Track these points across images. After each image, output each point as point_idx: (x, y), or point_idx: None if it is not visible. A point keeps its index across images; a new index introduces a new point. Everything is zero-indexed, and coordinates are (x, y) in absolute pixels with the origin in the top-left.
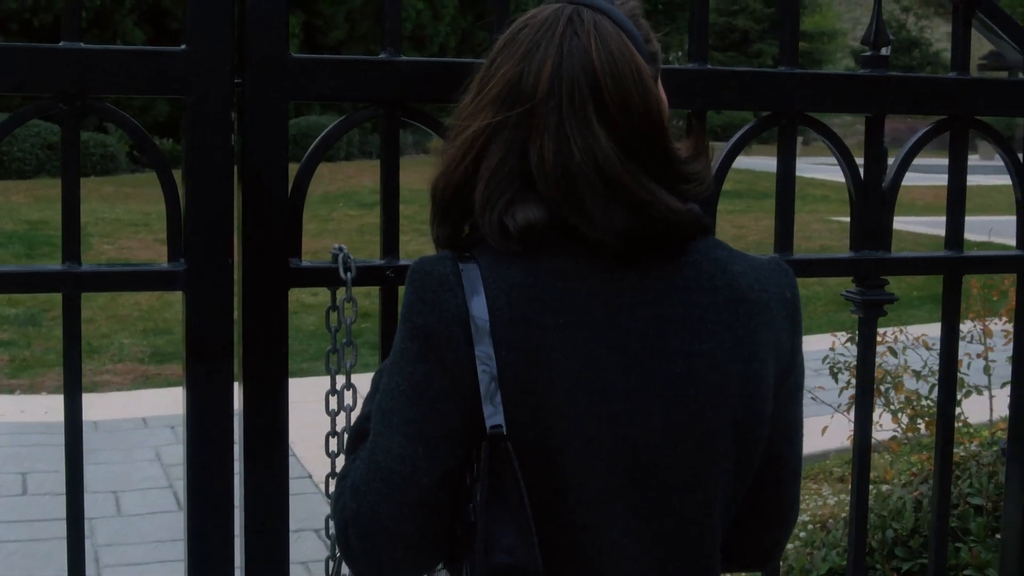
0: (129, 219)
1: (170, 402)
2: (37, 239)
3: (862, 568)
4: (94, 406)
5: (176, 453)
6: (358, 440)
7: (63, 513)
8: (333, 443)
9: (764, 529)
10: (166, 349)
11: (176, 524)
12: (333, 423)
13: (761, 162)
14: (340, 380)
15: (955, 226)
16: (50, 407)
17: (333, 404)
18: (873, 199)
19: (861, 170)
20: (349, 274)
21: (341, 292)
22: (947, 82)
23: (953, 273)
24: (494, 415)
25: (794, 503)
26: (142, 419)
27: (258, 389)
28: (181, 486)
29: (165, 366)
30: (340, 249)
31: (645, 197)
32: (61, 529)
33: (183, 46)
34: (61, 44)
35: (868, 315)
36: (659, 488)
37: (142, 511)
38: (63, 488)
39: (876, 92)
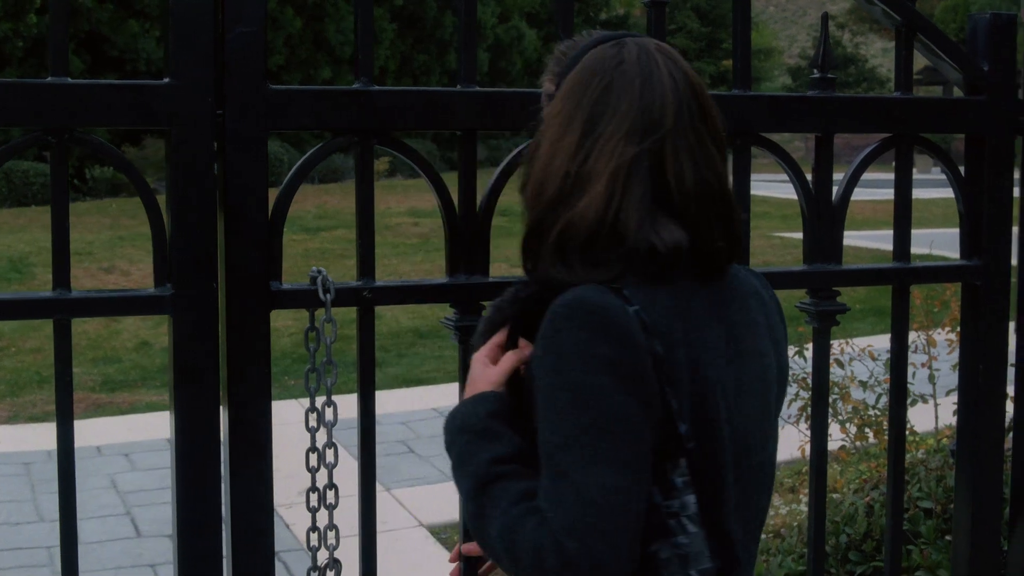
0: (73, 248)
1: (124, 430)
2: None
3: (822, 568)
4: (46, 436)
5: (131, 480)
6: (492, 488)
7: (23, 542)
8: (313, 458)
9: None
10: (116, 377)
11: (135, 550)
12: (313, 440)
13: None
14: (319, 399)
15: (902, 238)
16: (3, 437)
17: (313, 421)
18: (824, 214)
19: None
20: (329, 295)
21: (319, 313)
22: (891, 102)
23: (902, 283)
24: (687, 432)
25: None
26: (96, 447)
27: (242, 409)
28: (138, 513)
29: (116, 394)
30: (319, 272)
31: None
32: (18, 559)
33: (166, 79)
34: (48, 79)
35: (822, 325)
36: (750, 473)
37: (101, 539)
38: (21, 518)
39: (825, 112)
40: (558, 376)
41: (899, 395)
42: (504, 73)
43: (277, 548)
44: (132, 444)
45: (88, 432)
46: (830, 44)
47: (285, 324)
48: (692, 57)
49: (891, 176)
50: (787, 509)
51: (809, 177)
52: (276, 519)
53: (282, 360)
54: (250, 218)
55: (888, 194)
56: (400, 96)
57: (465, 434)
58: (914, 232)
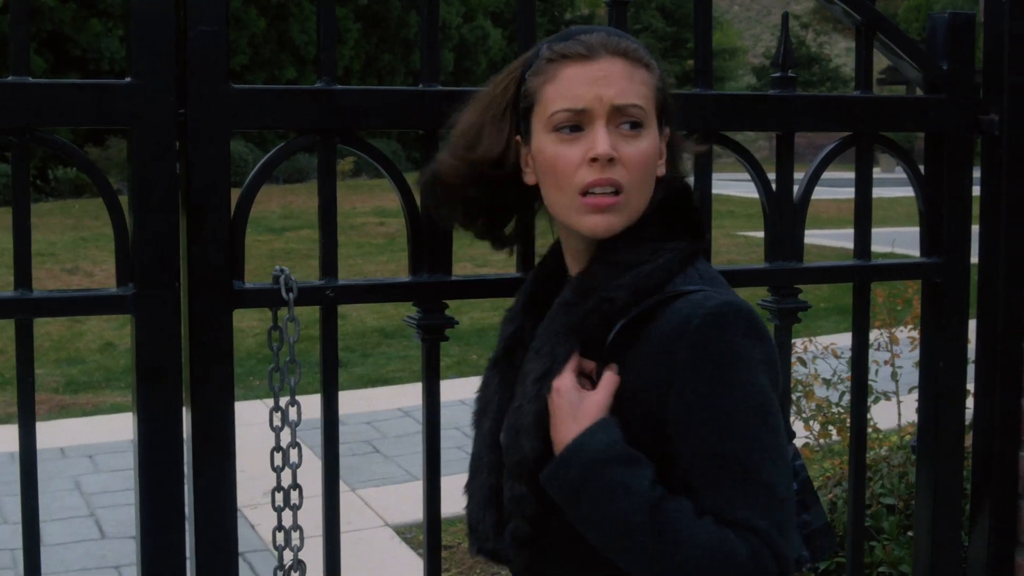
0: (35, 249)
1: (87, 431)
2: None
3: None
4: (9, 437)
5: (96, 482)
6: (664, 508)
7: None
8: (278, 457)
9: None
10: (80, 379)
11: (99, 552)
12: (277, 439)
13: None
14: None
15: (863, 236)
16: None
17: (277, 420)
18: (786, 212)
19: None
20: (291, 294)
21: (283, 312)
22: (852, 100)
23: (863, 280)
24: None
25: None
26: (60, 449)
27: (206, 409)
28: (102, 514)
29: (80, 395)
30: (281, 271)
31: None
32: None
33: (128, 79)
34: (10, 79)
35: (784, 322)
36: None
37: (65, 540)
38: None
39: (786, 111)
40: (724, 385)
41: (860, 392)
42: (469, 73)
43: (242, 548)
44: (96, 446)
45: (52, 434)
46: (791, 43)
47: (249, 325)
48: (657, 57)
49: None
50: None
51: (771, 176)
52: (241, 520)
53: (246, 361)
54: (213, 218)
55: (853, 193)
56: (363, 95)
57: (610, 464)
58: (877, 230)
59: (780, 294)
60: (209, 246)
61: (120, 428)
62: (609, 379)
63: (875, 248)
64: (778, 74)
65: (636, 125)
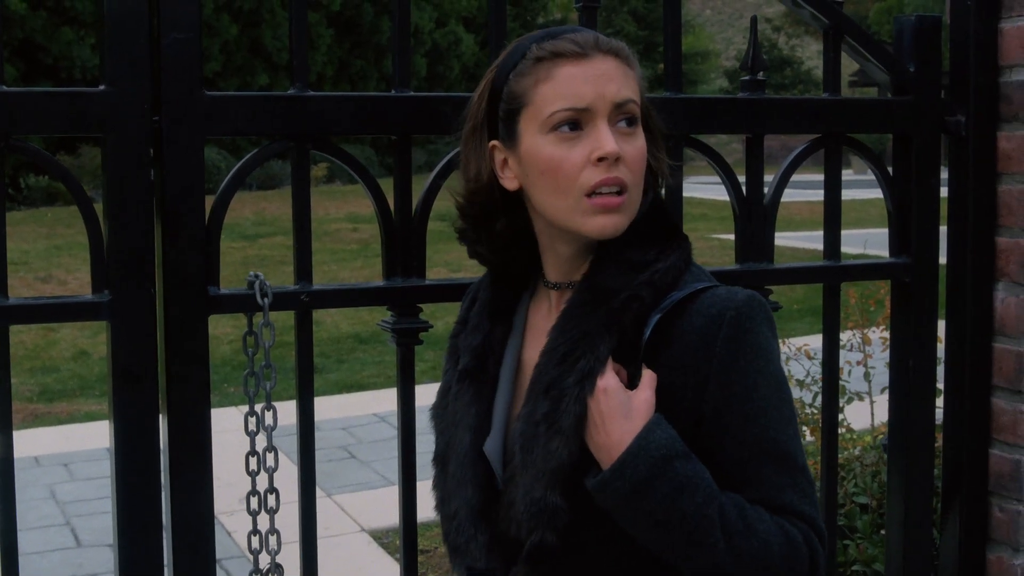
0: (8, 258)
1: (62, 440)
2: None
3: None
4: None
5: (71, 490)
6: (726, 514)
7: None
8: (253, 462)
9: None
10: (54, 387)
11: (75, 560)
12: (253, 443)
13: None
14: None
15: (832, 238)
16: None
17: (252, 425)
18: (756, 214)
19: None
20: (266, 300)
21: (258, 318)
22: (820, 103)
23: (832, 281)
24: None
25: None
26: (34, 458)
27: (182, 414)
28: (78, 523)
29: (55, 404)
30: (256, 276)
31: None
32: None
33: (101, 86)
34: None
35: None
36: None
37: (40, 549)
38: None
39: (755, 114)
40: (760, 376)
41: (831, 391)
42: (442, 78)
43: (219, 555)
44: (71, 454)
45: (26, 442)
46: (759, 47)
47: (224, 331)
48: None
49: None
50: None
51: (743, 179)
52: (217, 527)
53: (222, 367)
54: (187, 224)
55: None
56: (335, 101)
57: (676, 460)
58: (851, 232)
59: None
60: (185, 252)
61: (95, 436)
62: (650, 376)
63: (847, 249)
64: (747, 77)
65: (632, 122)
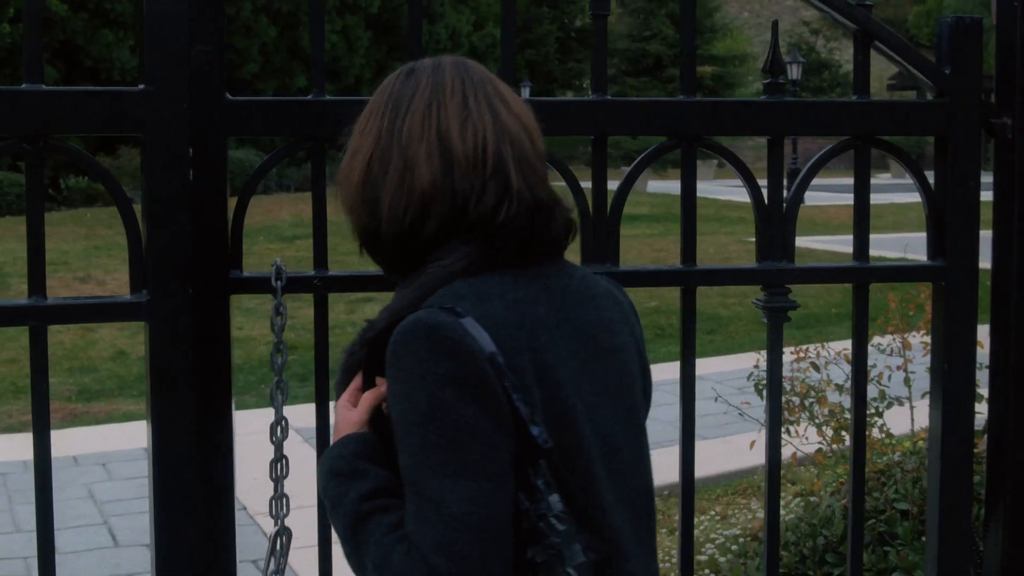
0: (48, 258)
1: (100, 439)
2: None
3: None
4: (22, 446)
5: (108, 490)
6: (365, 524)
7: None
8: (279, 431)
9: None
10: (92, 387)
11: (112, 560)
12: (279, 412)
13: (679, 186)
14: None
15: (861, 238)
16: None
17: (280, 397)
18: (775, 213)
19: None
20: (279, 282)
21: (289, 302)
22: (844, 105)
23: (859, 281)
24: (542, 434)
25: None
26: (72, 457)
27: (205, 392)
28: (115, 523)
29: (93, 404)
30: (277, 262)
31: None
32: None
33: (141, 86)
34: (23, 86)
35: (774, 321)
36: (626, 473)
37: (78, 548)
38: None
39: (773, 116)
40: (407, 401)
41: (859, 394)
42: None
43: (253, 556)
44: (109, 454)
45: (64, 442)
46: (779, 50)
47: (261, 332)
48: (668, 63)
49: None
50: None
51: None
52: (255, 527)
53: (259, 369)
54: (212, 215)
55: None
56: (348, 105)
57: (335, 478)
58: (890, 236)
59: (770, 293)
60: (210, 241)
61: (133, 436)
62: (367, 396)
63: (887, 253)
64: (768, 80)
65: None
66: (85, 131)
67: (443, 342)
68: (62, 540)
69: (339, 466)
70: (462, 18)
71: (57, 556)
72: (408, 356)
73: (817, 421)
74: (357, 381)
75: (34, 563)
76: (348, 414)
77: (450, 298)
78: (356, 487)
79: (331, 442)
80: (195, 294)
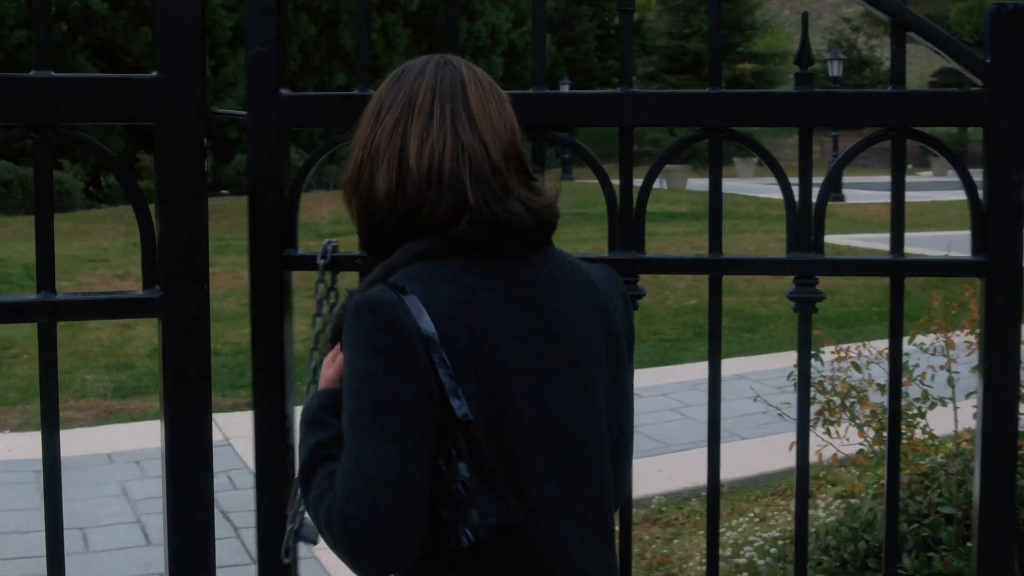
0: (87, 255)
1: (134, 437)
2: None
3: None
4: (63, 443)
5: (142, 488)
6: (316, 467)
7: (27, 552)
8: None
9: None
10: (128, 384)
11: (144, 559)
12: (313, 375)
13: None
14: None
15: (897, 232)
16: (13, 445)
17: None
18: (804, 206)
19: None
20: (323, 260)
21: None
22: (876, 96)
23: (894, 275)
24: (461, 407)
25: (629, 465)
26: (107, 455)
27: (264, 354)
28: (148, 521)
29: (128, 401)
30: (329, 242)
31: (533, 191)
32: (26, 567)
33: (154, 73)
34: (31, 73)
35: (803, 313)
36: (574, 454)
37: (110, 547)
38: (30, 527)
39: (801, 107)
40: (351, 367)
41: (895, 389)
42: (519, 77)
43: None
44: (143, 451)
45: (99, 439)
46: (808, 42)
47: (299, 329)
48: (708, 60)
49: (909, 179)
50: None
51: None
52: None
53: (295, 365)
54: (268, 201)
55: (907, 197)
56: None
57: (304, 426)
58: (933, 234)
59: (799, 284)
60: (266, 224)
61: None
62: (339, 357)
63: (929, 251)
64: (798, 71)
65: None
66: (95, 120)
67: (382, 318)
68: (94, 538)
69: (307, 416)
70: (501, 15)
71: (88, 555)
72: (354, 328)
73: (858, 421)
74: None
75: (67, 561)
76: (327, 371)
77: (404, 278)
78: (315, 436)
79: None
80: (254, 273)
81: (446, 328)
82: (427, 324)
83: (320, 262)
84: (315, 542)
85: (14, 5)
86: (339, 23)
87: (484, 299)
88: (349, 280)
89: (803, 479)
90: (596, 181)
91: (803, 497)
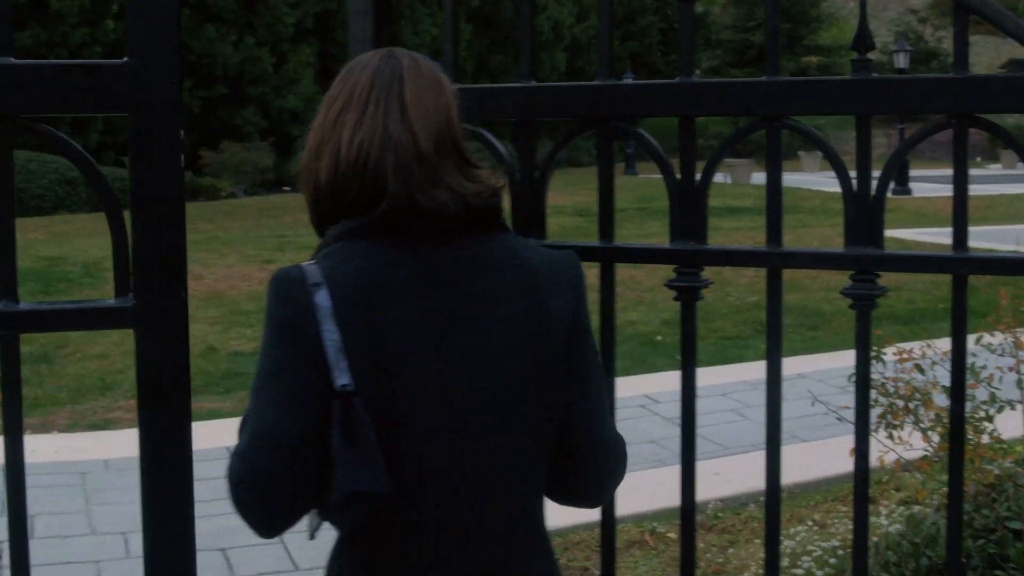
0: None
1: None
2: (54, 275)
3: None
4: (105, 444)
5: None
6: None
7: (72, 556)
8: None
9: (568, 471)
10: None
11: None
12: None
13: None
14: None
15: (960, 226)
16: (61, 446)
17: None
18: (862, 198)
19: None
20: None
21: None
22: (936, 81)
23: (957, 272)
24: (341, 377)
25: (598, 447)
26: None
27: None
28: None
29: None
30: None
31: (465, 177)
32: (69, 572)
33: (125, 59)
34: None
35: (861, 310)
36: (474, 432)
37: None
38: (72, 531)
39: (858, 93)
40: (262, 334)
41: (958, 393)
42: (582, 72)
43: None
44: (194, 453)
45: None
46: (867, 27)
47: None
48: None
49: (977, 172)
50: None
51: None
52: None
53: None
54: None
55: (975, 190)
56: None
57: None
58: (1000, 228)
59: (856, 280)
60: None
61: (215, 435)
62: None
63: (997, 245)
64: (855, 57)
65: None
66: (63, 110)
67: (283, 292)
68: (137, 543)
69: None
70: (564, 10)
71: (129, 560)
72: (267, 300)
73: (922, 426)
74: None
75: (104, 567)
76: None
77: (323, 255)
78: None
79: None
80: None
81: (341, 303)
82: (322, 298)
83: None
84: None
85: (77, 4)
86: (400, 19)
87: (386, 278)
88: None
89: (862, 493)
90: (659, 176)
91: (863, 518)
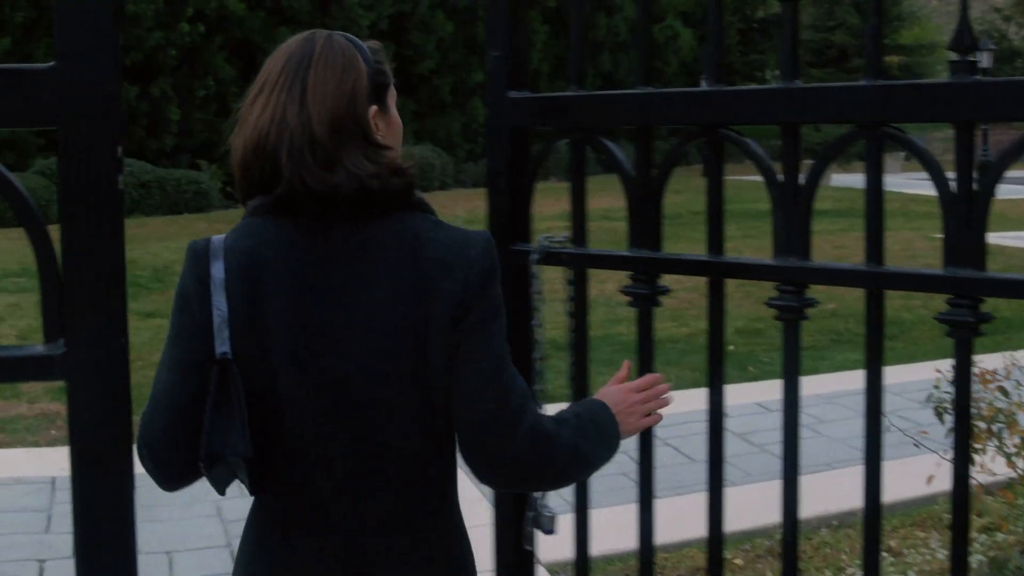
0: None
1: None
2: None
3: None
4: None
5: (237, 508)
6: None
7: None
8: None
9: (466, 446)
10: None
11: None
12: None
13: (864, 180)
14: None
15: None
16: None
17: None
18: (961, 212)
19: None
20: (534, 256)
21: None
22: None
23: None
24: (221, 345)
25: (494, 422)
26: None
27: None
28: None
29: None
30: (544, 237)
31: (367, 158)
32: None
33: (52, 63)
34: None
35: (960, 338)
36: (349, 411)
37: (196, 574)
38: None
39: (962, 99)
40: None
41: None
42: (659, 73)
43: None
44: None
45: None
46: (970, 23)
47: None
48: (853, 53)
49: None
50: (945, 553)
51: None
52: None
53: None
54: (501, 198)
55: None
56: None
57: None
58: None
59: (955, 305)
60: (502, 215)
61: None
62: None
63: None
64: (956, 58)
65: None
66: None
67: (188, 262)
68: (180, 564)
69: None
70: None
71: None
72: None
73: (1007, 450)
74: None
75: (177, 557)
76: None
77: (232, 230)
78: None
79: None
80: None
81: (232, 275)
82: (217, 270)
83: (532, 256)
84: (552, 531)
85: (151, 7)
86: (477, 20)
87: (272, 255)
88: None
89: (962, 535)
90: (737, 178)
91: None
